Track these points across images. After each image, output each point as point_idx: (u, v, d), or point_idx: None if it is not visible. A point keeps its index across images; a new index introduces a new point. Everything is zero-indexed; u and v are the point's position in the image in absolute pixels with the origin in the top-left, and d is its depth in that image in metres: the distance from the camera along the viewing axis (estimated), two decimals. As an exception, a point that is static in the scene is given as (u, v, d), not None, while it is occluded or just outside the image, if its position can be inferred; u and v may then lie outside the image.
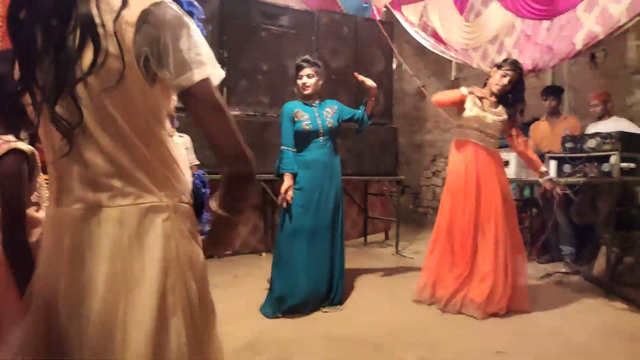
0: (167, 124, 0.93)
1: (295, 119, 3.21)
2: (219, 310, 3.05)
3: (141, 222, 0.85)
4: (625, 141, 3.54)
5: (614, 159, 3.49)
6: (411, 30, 5.55)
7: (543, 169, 3.26)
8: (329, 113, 3.30)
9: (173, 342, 0.84)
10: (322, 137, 3.24)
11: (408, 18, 5.52)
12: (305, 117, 3.22)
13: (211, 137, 0.89)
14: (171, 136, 0.94)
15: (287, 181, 3.12)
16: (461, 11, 5.24)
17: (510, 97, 3.24)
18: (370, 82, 3.30)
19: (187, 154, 3.93)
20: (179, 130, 3.95)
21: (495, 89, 3.19)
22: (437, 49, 5.32)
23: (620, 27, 3.66)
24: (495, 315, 2.99)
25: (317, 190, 3.19)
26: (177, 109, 4.04)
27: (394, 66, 5.60)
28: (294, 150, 3.19)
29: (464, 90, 3.28)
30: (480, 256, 3.12)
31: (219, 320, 2.76)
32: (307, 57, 3.28)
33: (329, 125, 3.26)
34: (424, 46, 5.72)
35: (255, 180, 0.96)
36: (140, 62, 0.82)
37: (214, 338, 0.96)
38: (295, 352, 2.40)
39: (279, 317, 2.99)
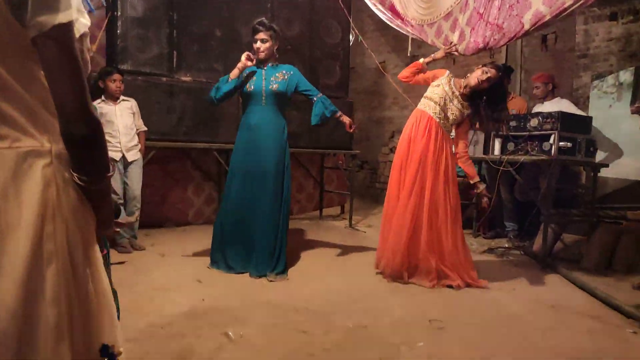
0: None
1: (244, 78, 3.23)
2: (166, 278, 3.03)
3: (19, 167, 0.81)
4: (565, 121, 3.70)
5: (552, 138, 3.63)
6: (369, 3, 5.50)
7: (475, 179, 3.31)
8: (277, 77, 3.26)
9: (48, 291, 0.82)
10: (264, 100, 3.23)
11: (367, -10, 5.46)
12: (252, 78, 3.21)
13: (55, 89, 0.83)
14: None
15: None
16: (419, -14, 5.23)
17: (485, 98, 3.25)
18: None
19: (134, 119, 3.82)
20: (125, 94, 3.82)
21: (473, 81, 3.22)
22: (394, 23, 5.31)
23: (566, 9, 3.74)
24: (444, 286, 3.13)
25: (256, 154, 3.20)
26: (122, 72, 3.91)
27: (352, 39, 5.55)
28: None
29: (421, 59, 3.49)
30: (427, 226, 3.20)
31: (163, 287, 2.71)
32: (262, 19, 3.23)
33: (273, 89, 3.23)
34: (385, 21, 5.70)
35: (98, 145, 0.89)
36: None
37: (99, 288, 0.93)
38: (234, 318, 2.42)
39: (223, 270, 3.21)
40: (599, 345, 2.31)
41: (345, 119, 3.48)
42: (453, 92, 3.29)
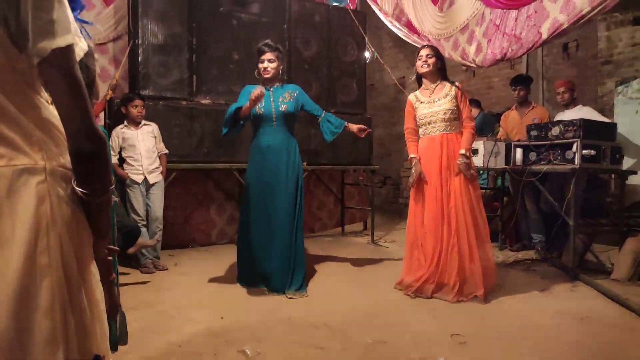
0: (42, 90, 0.92)
1: None
2: (187, 297, 3.08)
3: (13, 183, 0.85)
4: (587, 128, 3.61)
5: (575, 146, 3.54)
6: (385, 20, 5.56)
7: (462, 151, 3.22)
8: (285, 98, 3.31)
9: (42, 303, 0.84)
10: (275, 122, 3.27)
11: (382, 8, 5.52)
12: (261, 101, 3.22)
13: (61, 110, 0.88)
14: (49, 103, 0.93)
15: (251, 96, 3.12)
16: (434, 1, 5.26)
17: (444, 72, 3.37)
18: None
19: (155, 142, 3.92)
20: (147, 118, 3.95)
21: (420, 71, 3.32)
22: (411, 38, 5.34)
23: (583, 16, 3.70)
24: (468, 299, 3.08)
25: (273, 176, 3.24)
26: (143, 98, 4.05)
27: (367, 56, 5.60)
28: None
29: (410, 97, 3.47)
30: (448, 243, 3.18)
31: (183, 306, 2.75)
32: (268, 41, 3.29)
33: (282, 110, 3.28)
34: (402, 37, 5.74)
35: (102, 160, 0.93)
36: (5, 26, 0.81)
37: (93, 300, 0.96)
38: (253, 335, 2.42)
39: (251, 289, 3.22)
40: (630, 357, 2.20)
41: (354, 127, 3.50)
42: (430, 102, 3.30)
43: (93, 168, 0.93)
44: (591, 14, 3.72)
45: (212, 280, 3.54)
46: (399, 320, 2.72)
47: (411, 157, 3.39)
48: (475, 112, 5.50)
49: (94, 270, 0.99)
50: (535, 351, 2.28)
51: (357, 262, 4.21)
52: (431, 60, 3.28)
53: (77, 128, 0.88)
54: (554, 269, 4.00)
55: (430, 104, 3.31)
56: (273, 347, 2.28)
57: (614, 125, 3.99)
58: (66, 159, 0.94)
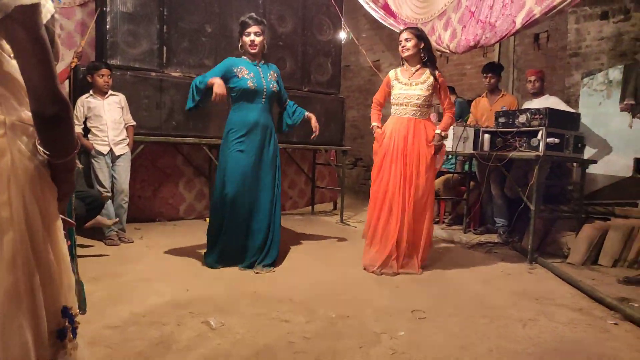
0: (4, 44, 0.90)
1: (239, 75, 3.17)
2: (151, 269, 3.06)
3: None
4: (553, 118, 3.71)
5: (540, 134, 3.65)
6: (362, 1, 5.53)
7: (438, 130, 3.32)
8: (272, 76, 3.31)
9: (5, 257, 0.84)
10: (264, 99, 3.23)
11: (360, -12, 5.48)
12: (251, 75, 3.19)
13: (24, 71, 0.86)
14: (11, 57, 0.91)
15: (214, 82, 3.08)
16: (413, -15, 5.25)
17: (426, 58, 3.37)
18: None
19: (123, 113, 3.83)
20: (114, 89, 3.84)
21: (402, 55, 3.37)
22: (387, 21, 5.34)
23: (555, 6, 3.77)
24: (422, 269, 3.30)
25: (259, 154, 3.23)
26: (110, 68, 3.92)
27: (343, 37, 5.57)
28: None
29: (390, 73, 3.50)
30: (405, 219, 3.30)
31: (147, 278, 2.73)
32: (252, 14, 3.23)
33: (273, 89, 3.28)
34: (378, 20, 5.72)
35: (64, 123, 0.92)
36: None
37: (59, 255, 0.96)
38: (217, 308, 2.43)
39: (218, 268, 3.14)
40: (578, 335, 2.32)
41: (313, 120, 3.56)
42: (409, 84, 3.36)
43: (55, 131, 0.91)
44: (562, 5, 3.80)
45: (178, 253, 3.52)
46: (363, 296, 2.78)
47: (373, 125, 3.51)
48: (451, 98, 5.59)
49: (59, 225, 0.98)
50: (490, 327, 2.37)
51: (325, 241, 4.26)
52: (410, 44, 3.31)
53: (40, 90, 0.86)
54: (514, 252, 4.15)
55: (407, 87, 3.35)
56: (237, 319, 2.29)
57: (577, 115, 4.12)
58: (28, 115, 0.92)
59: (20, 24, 0.83)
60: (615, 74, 4.64)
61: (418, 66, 3.37)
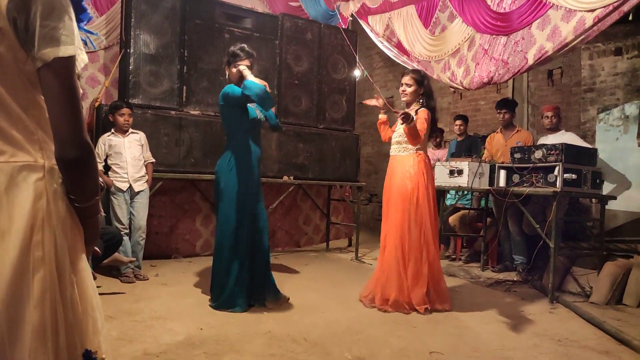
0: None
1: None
2: (166, 308, 3.04)
3: (13, 179, 0.89)
4: (569, 153, 3.69)
5: (557, 169, 3.62)
6: (376, 40, 5.66)
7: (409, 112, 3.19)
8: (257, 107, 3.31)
9: (34, 295, 0.87)
10: (259, 130, 3.29)
11: (374, 28, 5.63)
12: (252, 105, 3.20)
13: (53, 116, 0.92)
14: None
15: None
16: (426, 25, 5.37)
17: (425, 103, 3.39)
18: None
19: (143, 151, 3.92)
20: (135, 127, 3.95)
21: (402, 99, 3.43)
22: (400, 59, 5.44)
23: (567, 44, 3.82)
24: (437, 311, 3.23)
25: (257, 186, 3.27)
26: (131, 107, 4.03)
27: (357, 74, 5.68)
28: None
29: (380, 116, 3.59)
30: (409, 259, 3.28)
31: (162, 317, 2.73)
32: (244, 46, 3.17)
33: (262, 120, 3.31)
34: (392, 57, 5.84)
35: (87, 167, 0.96)
36: (14, 28, 0.86)
37: (85, 295, 0.99)
38: (232, 348, 2.40)
39: (223, 311, 3.05)
40: (605, 380, 2.23)
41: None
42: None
43: (77, 174, 0.96)
44: (574, 42, 3.85)
45: (193, 291, 3.51)
46: (379, 336, 2.72)
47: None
48: (464, 128, 5.62)
49: (86, 265, 1.02)
50: (512, 371, 2.29)
51: (340, 278, 4.21)
52: (410, 89, 3.36)
53: (65, 135, 0.92)
54: (534, 291, 4.04)
55: (400, 127, 3.38)
56: (251, 360, 2.26)
57: (594, 151, 4.09)
58: None
59: (55, 73, 0.90)
60: (632, 109, 4.62)
61: (415, 109, 3.38)
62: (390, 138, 3.58)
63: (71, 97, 0.91)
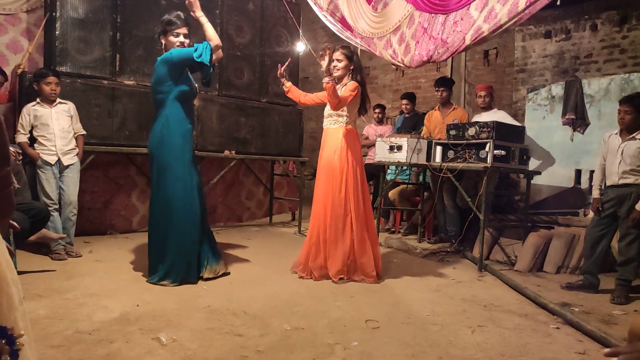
0: None
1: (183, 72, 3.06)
2: (99, 285, 2.93)
3: None
4: (500, 131, 3.89)
5: (488, 146, 3.81)
6: (320, 14, 5.60)
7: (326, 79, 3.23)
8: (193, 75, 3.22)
9: None
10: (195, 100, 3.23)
11: (317, 1, 5.55)
12: (189, 78, 3.10)
13: None
14: None
15: None
16: (369, 1, 5.38)
17: (354, 75, 3.44)
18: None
19: (72, 122, 3.70)
20: (64, 96, 3.72)
21: (334, 73, 3.37)
22: (344, 34, 5.42)
23: (502, 25, 3.96)
24: (353, 281, 3.34)
25: (195, 158, 3.21)
26: (58, 75, 3.75)
27: (301, 48, 5.63)
28: None
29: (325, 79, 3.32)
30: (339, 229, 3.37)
31: (95, 294, 2.65)
32: (180, 13, 3.04)
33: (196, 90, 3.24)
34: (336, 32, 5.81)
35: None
36: None
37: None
38: (170, 323, 2.37)
39: (162, 285, 3.00)
40: (523, 340, 2.42)
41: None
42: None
43: None
44: (508, 24, 3.99)
45: (129, 267, 3.42)
46: (318, 307, 2.79)
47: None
48: (411, 107, 5.74)
49: (1, 245, 0.97)
50: (441, 335, 2.44)
51: (283, 251, 4.25)
52: (340, 64, 3.40)
53: None
54: (465, 261, 4.28)
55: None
56: (190, 334, 2.25)
57: (523, 129, 4.33)
58: None
59: None
60: (558, 89, 4.91)
61: (343, 81, 3.45)
62: (307, 103, 3.72)
63: None
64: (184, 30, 3.02)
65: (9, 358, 0.95)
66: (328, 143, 3.46)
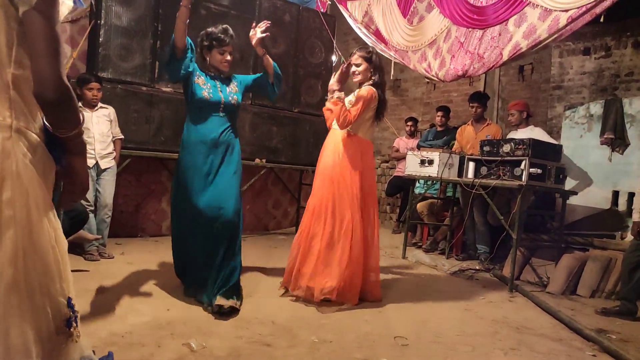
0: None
1: (196, 81, 2.89)
2: (132, 288, 2.95)
3: None
4: (536, 148, 3.80)
5: (523, 164, 3.73)
6: (354, 26, 5.64)
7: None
8: (232, 89, 3.01)
9: (8, 250, 0.90)
10: (222, 112, 2.93)
11: (352, 14, 5.60)
12: (207, 86, 2.90)
13: (35, 56, 0.93)
14: None
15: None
16: (404, 14, 5.38)
17: (375, 80, 3.15)
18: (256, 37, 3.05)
19: (111, 127, 3.80)
20: (104, 101, 3.83)
21: (354, 79, 3.17)
22: (378, 47, 5.44)
23: (541, 41, 3.91)
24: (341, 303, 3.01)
25: (213, 172, 2.88)
26: (100, 81, 3.79)
27: (334, 59, 5.66)
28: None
29: (336, 95, 3.08)
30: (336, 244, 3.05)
31: (128, 296, 2.67)
32: (228, 28, 2.94)
33: (232, 102, 2.96)
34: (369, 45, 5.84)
35: (67, 105, 1.00)
36: None
37: (62, 250, 1.05)
38: (199, 330, 2.39)
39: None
40: (558, 367, 2.35)
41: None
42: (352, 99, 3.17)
43: (56, 112, 0.99)
44: (548, 41, 3.94)
45: (160, 271, 3.47)
46: (345, 320, 2.77)
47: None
48: (445, 120, 5.71)
49: (58, 225, 1.06)
50: (472, 356, 2.38)
51: (309, 262, 4.23)
52: (360, 69, 3.11)
53: (45, 75, 0.94)
54: (495, 280, 4.19)
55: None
56: (219, 342, 2.26)
57: (560, 147, 4.23)
58: (35, 126, 0.99)
59: (38, 11, 0.91)
60: (596, 108, 4.78)
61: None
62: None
63: (53, 36, 0.93)
64: (230, 48, 2.94)
65: (75, 323, 1.09)
66: (329, 147, 3.21)
